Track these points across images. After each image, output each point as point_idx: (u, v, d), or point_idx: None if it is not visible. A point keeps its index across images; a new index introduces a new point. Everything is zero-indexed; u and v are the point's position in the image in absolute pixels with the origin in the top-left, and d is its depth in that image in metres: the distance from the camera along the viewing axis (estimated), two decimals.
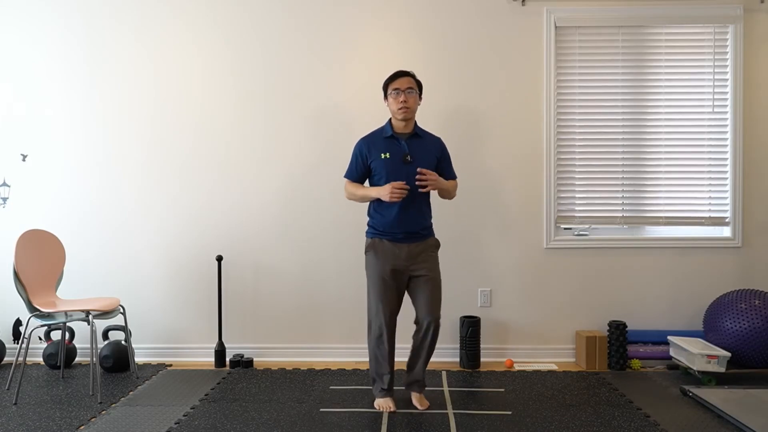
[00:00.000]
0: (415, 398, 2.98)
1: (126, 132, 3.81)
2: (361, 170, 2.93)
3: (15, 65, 3.82)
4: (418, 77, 2.95)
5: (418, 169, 2.78)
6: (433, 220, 3.03)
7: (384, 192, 2.76)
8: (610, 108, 3.77)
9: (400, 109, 2.82)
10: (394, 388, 3.02)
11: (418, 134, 2.92)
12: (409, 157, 2.84)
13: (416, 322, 2.94)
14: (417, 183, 2.78)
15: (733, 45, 3.71)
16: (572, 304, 3.79)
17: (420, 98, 2.92)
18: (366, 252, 2.95)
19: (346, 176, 2.99)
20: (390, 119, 2.94)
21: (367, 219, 2.98)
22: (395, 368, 3.00)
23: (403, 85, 2.83)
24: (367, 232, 2.97)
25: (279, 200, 3.80)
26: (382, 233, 2.88)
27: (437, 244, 3.00)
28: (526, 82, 3.75)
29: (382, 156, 2.85)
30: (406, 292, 2.97)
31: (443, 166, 2.98)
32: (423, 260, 2.89)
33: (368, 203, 2.96)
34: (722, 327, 3.38)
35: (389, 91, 2.87)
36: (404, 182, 2.76)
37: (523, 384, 3.30)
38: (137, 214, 3.82)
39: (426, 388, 3.07)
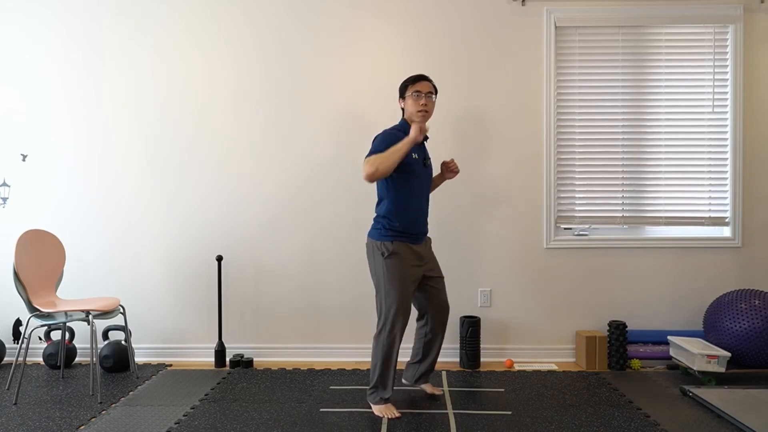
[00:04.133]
0: (429, 387, 3.11)
1: (126, 132, 3.81)
2: None
3: (15, 65, 3.82)
4: None
5: (449, 162, 3.02)
6: (432, 220, 3.06)
7: (412, 132, 2.70)
8: (610, 108, 3.76)
9: (419, 111, 2.84)
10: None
11: (427, 137, 3.01)
12: (427, 161, 2.96)
13: (426, 317, 3.02)
14: (449, 170, 3.04)
15: (733, 45, 3.71)
16: (572, 304, 3.79)
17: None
18: (388, 256, 2.78)
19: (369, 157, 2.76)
20: (402, 120, 2.91)
21: (382, 222, 2.83)
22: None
23: (424, 88, 2.86)
24: (384, 235, 2.81)
25: (279, 200, 3.80)
26: (402, 234, 2.81)
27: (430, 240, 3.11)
28: (526, 82, 3.75)
29: (413, 156, 2.83)
30: None
31: None
32: (432, 259, 3.00)
33: (387, 205, 2.82)
34: (722, 327, 3.38)
35: (409, 93, 2.86)
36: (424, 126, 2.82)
37: (523, 384, 3.30)
38: (137, 214, 3.82)
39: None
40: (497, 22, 3.74)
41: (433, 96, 2.89)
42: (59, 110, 3.82)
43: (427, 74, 2.98)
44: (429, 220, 3.15)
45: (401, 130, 2.85)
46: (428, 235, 3.11)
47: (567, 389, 3.21)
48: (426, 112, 2.85)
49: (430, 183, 2.98)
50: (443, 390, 3.11)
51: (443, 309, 3.02)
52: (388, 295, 2.80)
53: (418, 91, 2.84)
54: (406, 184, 2.83)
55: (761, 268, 3.76)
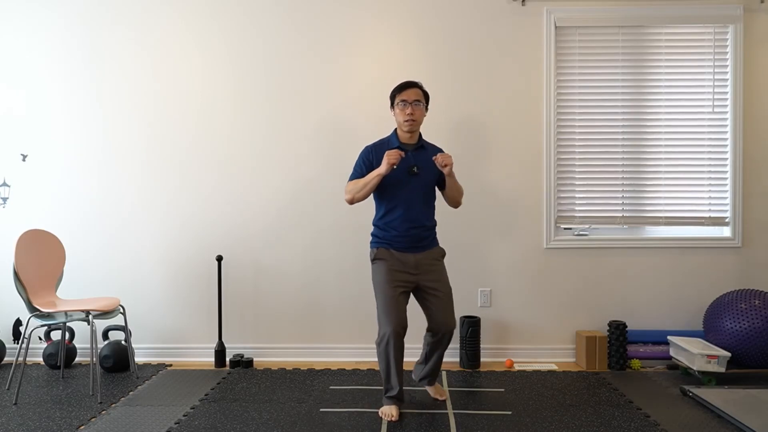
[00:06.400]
0: (432, 390, 3.06)
1: (126, 132, 3.82)
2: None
3: (15, 65, 3.82)
4: (418, 79, 2.96)
5: (436, 157, 2.79)
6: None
7: (382, 164, 2.73)
8: (610, 108, 3.76)
9: (406, 121, 2.82)
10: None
11: (423, 146, 2.92)
12: (415, 169, 2.84)
13: (430, 329, 2.93)
14: (440, 166, 2.78)
15: (733, 45, 3.71)
16: (572, 304, 3.79)
17: (426, 109, 2.91)
18: (373, 261, 2.91)
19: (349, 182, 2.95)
20: (395, 129, 2.94)
21: (373, 229, 2.96)
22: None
23: (410, 97, 2.82)
24: (372, 242, 2.94)
25: (279, 200, 3.80)
26: (386, 242, 2.87)
27: (443, 253, 2.98)
28: (526, 82, 3.75)
29: (393, 167, 2.82)
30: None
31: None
32: (431, 271, 2.87)
33: (375, 215, 2.94)
34: (722, 327, 3.38)
35: (396, 102, 2.86)
36: (399, 151, 2.73)
37: (523, 384, 3.30)
38: (137, 215, 3.82)
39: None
40: (497, 22, 3.74)
41: (422, 103, 2.85)
42: (59, 110, 3.82)
43: (426, 75, 2.95)
44: None
45: (387, 142, 2.91)
46: (438, 246, 2.97)
47: (567, 389, 3.21)
48: (413, 122, 2.82)
49: (424, 189, 2.87)
50: (446, 395, 3.07)
51: (442, 327, 2.85)
52: (376, 299, 2.84)
53: (404, 101, 2.82)
54: (388, 196, 2.85)
55: (761, 268, 3.76)
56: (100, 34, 3.80)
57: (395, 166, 2.73)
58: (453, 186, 2.92)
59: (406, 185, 2.83)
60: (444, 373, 3.50)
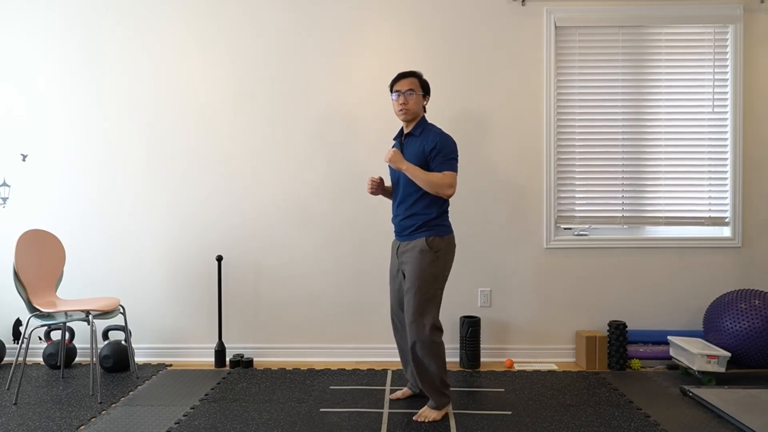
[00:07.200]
0: (421, 410, 2.84)
1: (126, 132, 3.82)
2: None
3: (15, 65, 3.82)
4: None
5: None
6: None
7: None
8: (610, 108, 3.77)
9: (400, 111, 2.86)
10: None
11: (413, 133, 2.87)
12: None
13: None
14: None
15: (733, 45, 3.71)
16: (572, 304, 3.79)
17: (426, 98, 2.90)
18: None
19: None
20: None
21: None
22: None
23: (403, 87, 2.84)
24: None
25: (279, 200, 3.80)
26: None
27: (424, 248, 2.75)
28: (526, 82, 3.75)
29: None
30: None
31: (432, 159, 2.77)
32: (405, 261, 2.82)
33: None
34: (722, 327, 3.38)
35: (392, 94, 2.89)
36: (379, 177, 2.96)
37: (523, 384, 3.30)
38: (137, 215, 3.82)
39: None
40: (497, 22, 3.74)
41: (416, 92, 2.83)
42: (59, 110, 3.82)
43: (426, 75, 2.95)
44: None
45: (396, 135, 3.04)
46: (421, 238, 2.78)
47: (567, 389, 3.21)
48: (407, 111, 2.84)
49: (401, 178, 2.84)
50: (427, 419, 2.77)
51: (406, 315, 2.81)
52: None
53: (397, 91, 2.86)
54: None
55: (761, 268, 3.76)
56: (100, 34, 3.80)
57: (368, 189, 2.97)
58: (415, 177, 2.74)
59: (393, 175, 2.96)
60: None
